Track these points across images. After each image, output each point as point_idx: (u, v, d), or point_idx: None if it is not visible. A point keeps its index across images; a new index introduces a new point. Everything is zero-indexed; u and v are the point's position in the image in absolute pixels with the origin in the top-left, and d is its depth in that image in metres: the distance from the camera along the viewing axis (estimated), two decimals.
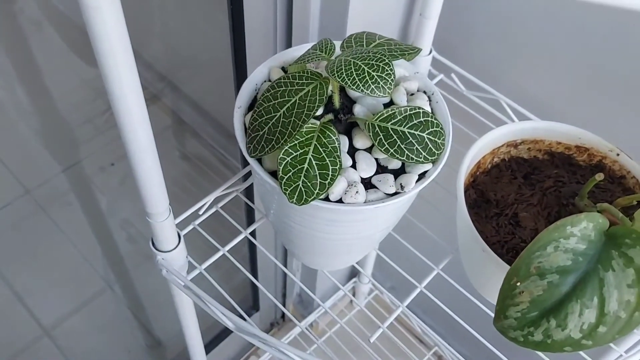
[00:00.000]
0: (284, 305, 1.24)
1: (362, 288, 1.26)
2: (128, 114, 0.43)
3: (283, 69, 0.57)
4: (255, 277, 1.14)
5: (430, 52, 0.80)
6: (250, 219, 1.02)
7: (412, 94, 0.56)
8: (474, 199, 0.62)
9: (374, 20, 0.74)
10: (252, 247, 1.11)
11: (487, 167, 0.64)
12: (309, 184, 0.47)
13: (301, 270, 1.19)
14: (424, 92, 0.57)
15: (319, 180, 0.47)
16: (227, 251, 0.67)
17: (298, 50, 0.56)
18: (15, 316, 1.17)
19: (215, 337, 1.22)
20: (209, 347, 1.20)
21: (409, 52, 0.53)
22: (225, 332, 1.24)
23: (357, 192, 0.48)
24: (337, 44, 0.54)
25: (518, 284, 0.45)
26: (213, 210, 0.69)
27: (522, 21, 0.75)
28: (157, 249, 0.62)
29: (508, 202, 0.61)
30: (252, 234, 0.71)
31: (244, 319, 0.61)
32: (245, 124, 0.52)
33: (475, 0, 0.78)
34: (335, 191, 0.48)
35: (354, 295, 1.32)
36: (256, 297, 1.21)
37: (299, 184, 0.47)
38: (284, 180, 0.47)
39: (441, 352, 1.29)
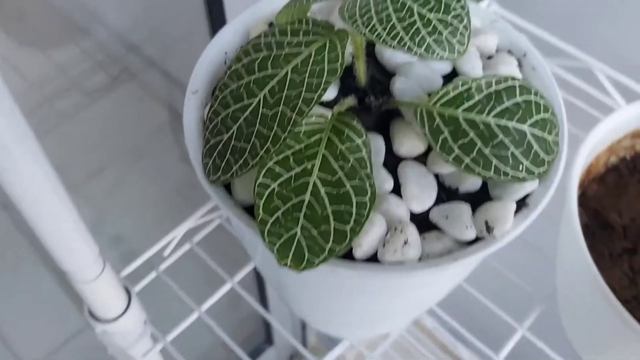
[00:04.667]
0: (303, 337, 1.03)
1: None
2: None
3: (272, 26, 0.34)
4: (266, 307, 0.92)
5: (489, 4, 0.57)
6: None
7: (490, 57, 0.33)
8: (584, 224, 0.39)
9: None
10: None
11: (601, 171, 0.41)
12: (315, 233, 0.25)
13: None
14: (509, 52, 0.34)
15: (333, 224, 0.25)
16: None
17: None
18: None
19: None
20: None
21: None
22: None
23: (405, 242, 0.26)
24: None
25: None
26: (185, 248, 0.47)
27: None
28: (94, 318, 0.40)
29: None
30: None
31: None
32: (205, 121, 0.30)
33: None
34: (365, 243, 0.26)
35: None
36: (269, 327, 1.00)
37: (295, 234, 0.25)
38: (268, 227, 0.25)
39: None
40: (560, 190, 0.32)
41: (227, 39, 0.33)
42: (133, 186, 0.98)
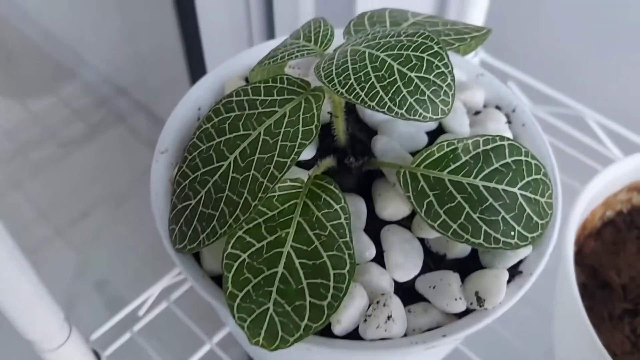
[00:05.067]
0: None
1: None
2: None
3: (248, 80, 0.33)
4: None
5: (477, 52, 0.56)
6: None
7: (478, 112, 0.31)
8: (581, 283, 0.37)
9: (393, 3, 0.50)
10: None
11: (596, 225, 0.39)
12: (289, 309, 0.23)
13: None
14: (497, 108, 0.32)
15: (308, 299, 0.23)
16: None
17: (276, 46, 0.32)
18: None
19: None
20: None
21: (472, 34, 0.28)
22: None
23: (389, 316, 0.24)
24: (339, 32, 0.30)
25: None
26: (161, 307, 0.45)
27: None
28: None
29: None
30: None
31: None
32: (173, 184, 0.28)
33: None
34: (345, 318, 0.24)
35: None
36: None
37: (267, 309, 0.23)
38: (238, 302, 0.23)
39: None
40: (556, 244, 0.30)
41: (201, 94, 0.31)
42: (119, 230, 0.95)
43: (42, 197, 0.93)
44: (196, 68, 0.51)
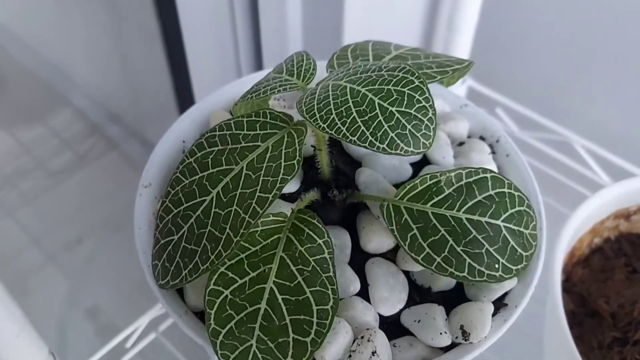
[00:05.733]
0: None
1: None
2: None
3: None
4: None
5: (464, 80, 0.56)
6: None
7: (462, 143, 0.32)
8: (570, 311, 0.37)
9: (380, 34, 0.50)
10: None
11: (584, 252, 0.39)
12: (272, 346, 0.23)
13: None
14: (481, 138, 0.32)
15: (292, 335, 0.23)
16: None
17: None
18: None
19: None
20: None
21: (454, 67, 0.29)
22: None
23: (373, 352, 0.24)
24: (322, 64, 0.30)
25: None
26: (150, 338, 0.44)
27: (591, 28, 0.51)
28: None
29: (636, 316, 0.35)
30: None
31: None
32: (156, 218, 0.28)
33: (523, 5, 0.55)
34: (329, 355, 0.24)
35: None
36: None
37: (250, 346, 0.23)
38: (220, 339, 0.23)
39: None
40: (544, 269, 0.30)
41: (185, 127, 0.32)
42: (111, 257, 0.95)
43: (35, 225, 0.93)
44: (184, 98, 0.52)
